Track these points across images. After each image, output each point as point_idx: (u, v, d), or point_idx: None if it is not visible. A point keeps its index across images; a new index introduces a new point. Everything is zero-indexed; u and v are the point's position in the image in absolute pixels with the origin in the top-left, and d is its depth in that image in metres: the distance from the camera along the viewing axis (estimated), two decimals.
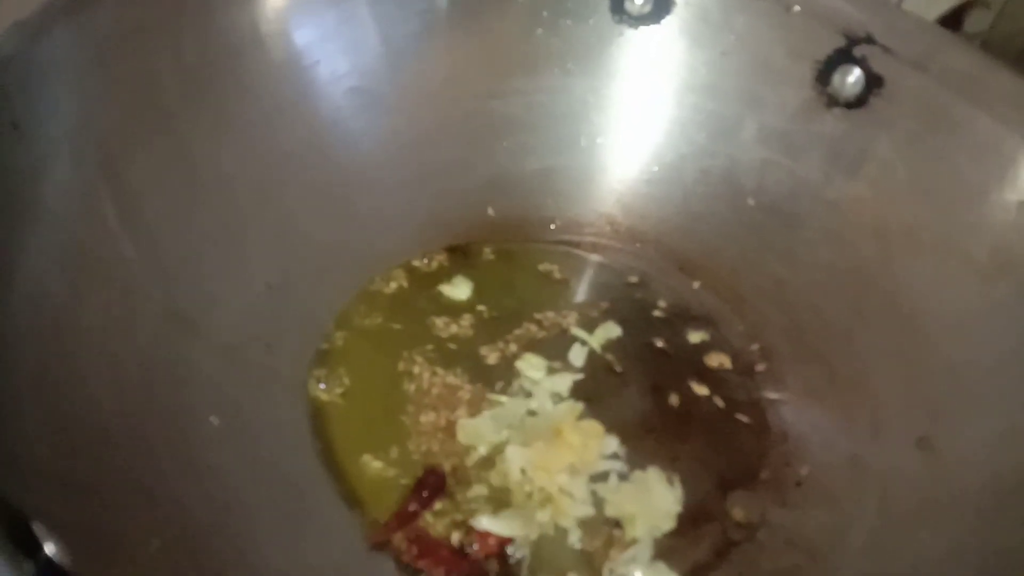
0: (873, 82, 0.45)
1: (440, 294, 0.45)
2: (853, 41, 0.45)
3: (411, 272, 0.46)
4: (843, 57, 0.46)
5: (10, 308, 0.30)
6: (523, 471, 0.36)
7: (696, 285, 0.48)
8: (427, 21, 0.47)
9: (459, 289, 0.46)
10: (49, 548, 0.20)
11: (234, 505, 0.33)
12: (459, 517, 0.35)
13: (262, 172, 0.43)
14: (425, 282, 0.46)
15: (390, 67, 0.47)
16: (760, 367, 0.44)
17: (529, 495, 0.36)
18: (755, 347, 0.45)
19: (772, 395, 0.43)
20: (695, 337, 0.45)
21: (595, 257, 0.49)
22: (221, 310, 0.39)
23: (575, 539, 0.36)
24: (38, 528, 0.21)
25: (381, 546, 0.34)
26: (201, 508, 0.31)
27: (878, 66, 0.45)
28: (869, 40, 0.45)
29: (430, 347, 0.42)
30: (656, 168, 0.50)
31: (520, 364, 0.42)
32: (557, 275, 0.48)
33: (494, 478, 0.37)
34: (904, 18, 0.47)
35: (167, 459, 0.32)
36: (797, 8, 0.47)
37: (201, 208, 0.41)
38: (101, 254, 0.36)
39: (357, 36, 0.46)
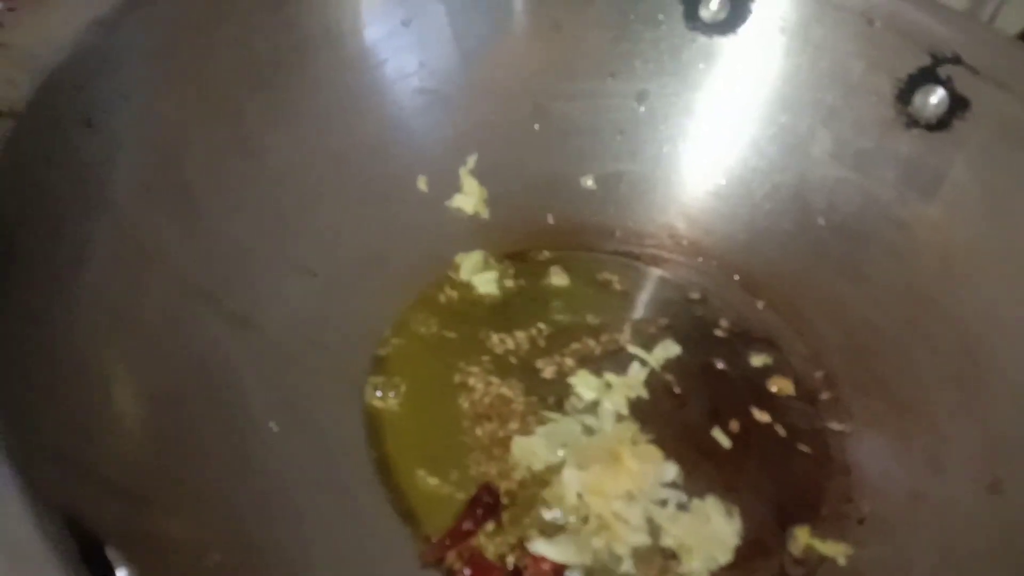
0: (958, 104, 0.43)
1: (494, 304, 0.44)
2: (939, 60, 0.43)
3: (463, 285, 0.45)
4: (927, 76, 0.44)
5: (78, 295, 0.29)
6: (579, 496, 0.36)
7: (760, 305, 0.46)
8: (500, 22, 0.46)
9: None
10: (121, 572, 0.20)
11: (290, 517, 0.32)
12: (513, 539, 0.35)
13: (322, 168, 0.43)
14: (479, 294, 0.45)
15: (458, 67, 0.47)
16: (824, 395, 0.43)
17: (584, 519, 0.35)
18: (819, 374, 0.44)
19: (835, 425, 0.42)
20: (757, 360, 0.44)
21: (656, 270, 0.48)
22: (277, 310, 0.39)
23: (629, 567, 0.35)
24: (111, 552, 0.20)
25: (434, 564, 0.34)
26: (258, 520, 0.31)
27: (964, 88, 0.43)
28: (956, 60, 0.43)
29: (486, 358, 0.42)
30: (724, 181, 0.49)
31: (573, 380, 0.41)
32: (617, 286, 0.47)
33: (549, 499, 0.36)
34: (996, 37, 0.45)
35: (225, 467, 0.31)
36: (879, 23, 0.45)
37: (260, 203, 0.40)
38: (162, 247, 0.35)
39: (429, 35, 0.45)
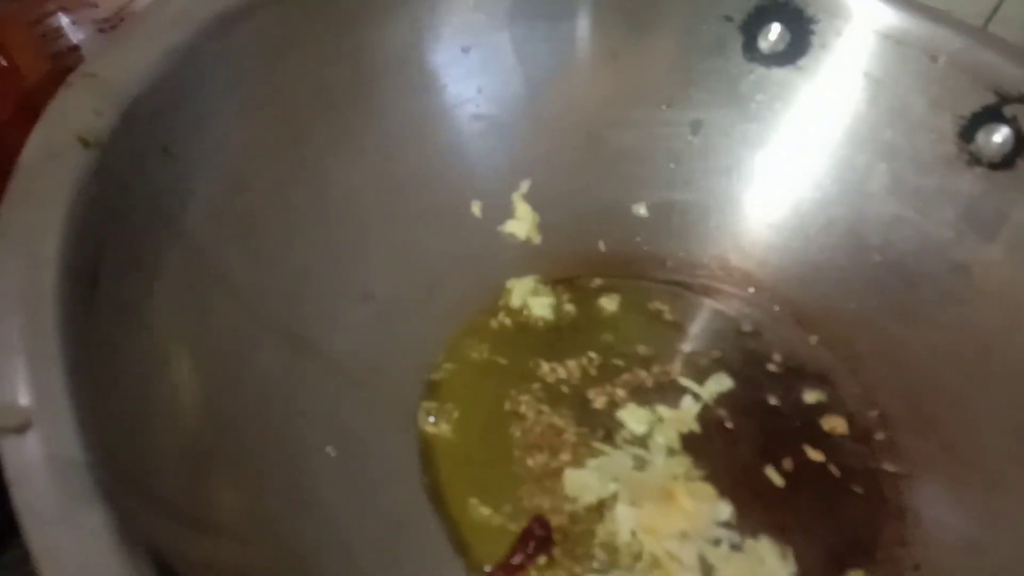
0: (1023, 143, 0.43)
1: (545, 330, 0.44)
2: (1004, 99, 0.43)
3: (514, 311, 0.45)
4: (991, 115, 0.43)
5: (149, 332, 0.30)
6: (633, 533, 0.36)
7: (813, 340, 0.46)
8: (559, 51, 0.47)
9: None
10: None
11: (343, 542, 0.33)
12: (566, 574, 0.35)
13: (382, 193, 0.43)
14: (530, 321, 0.45)
15: (514, 94, 0.47)
16: (879, 435, 0.42)
17: (637, 557, 0.35)
18: (874, 413, 0.43)
19: (890, 467, 0.41)
20: (810, 397, 0.43)
21: (707, 301, 0.48)
22: (334, 333, 0.39)
23: None
24: None
25: None
26: (312, 546, 0.31)
27: None
28: (1022, 99, 0.42)
29: (536, 386, 0.42)
30: (778, 214, 0.48)
31: (622, 414, 0.41)
32: (668, 316, 0.47)
33: (601, 534, 0.36)
34: None
35: (282, 495, 0.32)
36: (943, 59, 0.44)
37: (320, 229, 0.40)
38: (229, 274, 0.36)
39: (489, 62, 0.45)
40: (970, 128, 0.44)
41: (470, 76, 0.45)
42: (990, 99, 0.43)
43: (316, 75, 0.40)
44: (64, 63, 0.42)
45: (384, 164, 0.43)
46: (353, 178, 0.42)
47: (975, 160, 0.44)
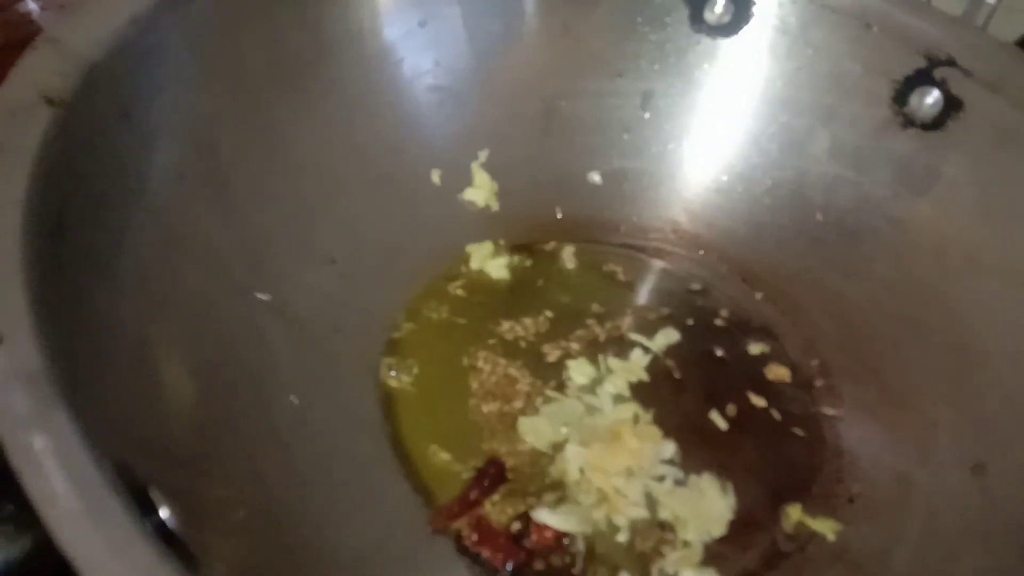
0: (952, 105, 0.45)
1: (502, 292, 0.46)
2: (934, 63, 0.45)
3: (473, 275, 0.47)
4: (923, 78, 0.46)
5: (119, 285, 0.31)
6: (581, 471, 0.38)
7: (758, 296, 0.48)
8: (511, 24, 0.49)
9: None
10: (163, 512, 0.22)
11: (310, 481, 0.35)
12: (518, 508, 0.37)
13: (342, 162, 0.45)
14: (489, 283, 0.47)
15: (471, 66, 0.49)
16: (818, 382, 0.45)
17: (586, 492, 0.37)
18: (814, 362, 0.45)
19: (829, 411, 0.44)
20: (755, 348, 0.46)
21: (659, 262, 0.50)
22: (298, 293, 0.41)
23: (628, 538, 0.37)
24: (154, 494, 0.22)
25: (443, 530, 0.36)
26: (280, 484, 0.33)
27: (958, 89, 0.45)
28: (950, 62, 0.45)
29: (493, 342, 0.44)
30: (725, 178, 0.51)
31: (569, 365, 0.43)
32: (621, 277, 0.49)
33: (552, 473, 0.38)
34: (988, 41, 0.46)
35: (252, 435, 0.34)
36: (876, 27, 0.47)
37: (283, 192, 0.42)
38: (195, 233, 0.37)
39: (444, 36, 0.47)
40: (903, 92, 0.47)
41: (427, 49, 0.47)
42: (921, 63, 0.46)
43: (275, 45, 0.41)
44: None
45: (345, 133, 0.45)
46: (314, 146, 0.44)
47: (909, 122, 0.47)
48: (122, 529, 0.19)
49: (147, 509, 0.22)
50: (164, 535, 0.21)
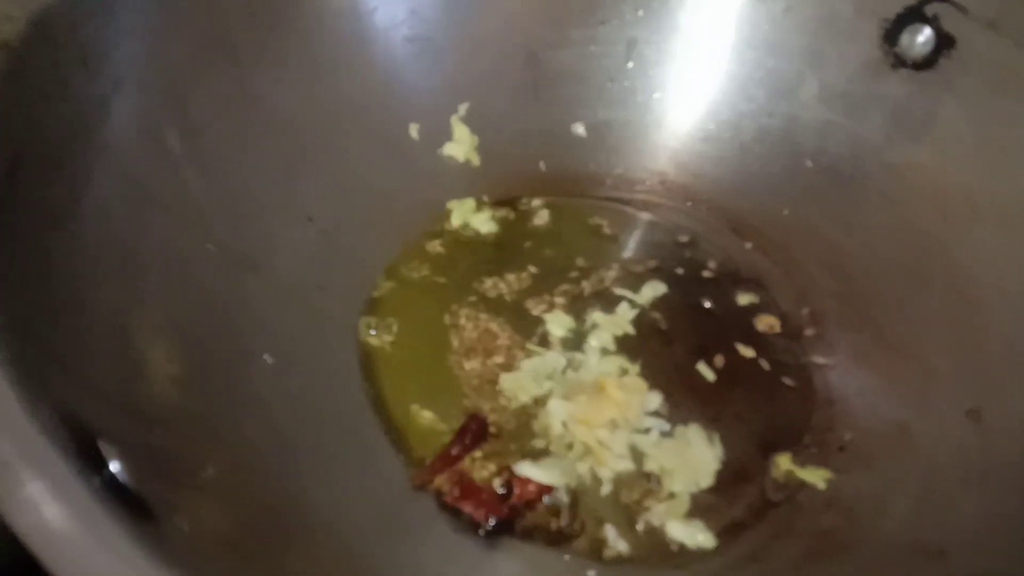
0: (944, 42, 0.44)
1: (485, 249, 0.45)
2: None
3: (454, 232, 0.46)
4: (913, 16, 0.44)
5: (77, 232, 0.30)
6: (564, 424, 0.37)
7: (748, 246, 0.47)
8: None
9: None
10: (113, 466, 0.21)
11: (285, 440, 0.34)
12: (501, 463, 0.36)
13: (318, 116, 0.44)
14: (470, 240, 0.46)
15: (446, 15, 0.47)
16: (809, 331, 0.44)
17: (569, 447, 0.37)
18: (805, 311, 0.44)
19: (819, 360, 0.43)
20: (744, 299, 0.45)
21: (646, 215, 0.49)
22: (276, 249, 0.40)
23: (612, 490, 0.36)
24: (103, 446, 0.22)
25: (424, 487, 0.35)
26: (253, 440, 0.32)
27: (950, 26, 0.43)
28: None
29: (474, 299, 0.43)
30: (713, 126, 0.49)
31: (547, 317, 0.42)
32: (607, 230, 0.48)
33: (535, 427, 0.37)
34: None
35: (223, 392, 0.33)
36: None
37: (259, 147, 0.41)
38: (164, 186, 0.36)
39: None
40: (894, 31, 0.45)
41: None
42: (911, 0, 0.44)
43: None
44: None
45: (318, 87, 0.44)
46: (288, 100, 0.42)
47: (900, 62, 0.45)
48: (58, 478, 0.18)
49: (95, 461, 0.21)
50: (114, 488, 0.20)
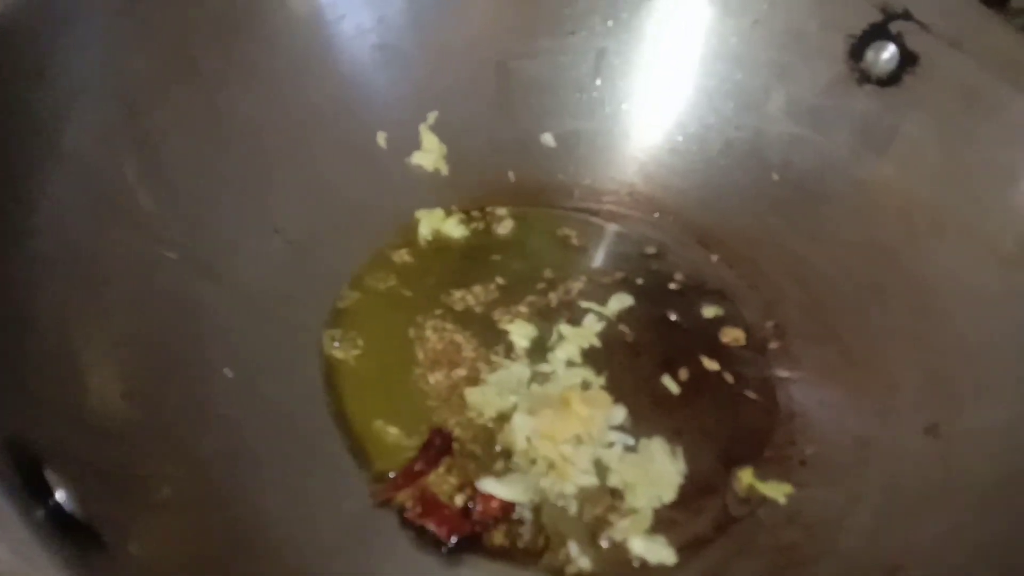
0: (908, 59, 0.44)
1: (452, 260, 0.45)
2: (890, 16, 0.44)
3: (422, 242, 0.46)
4: (878, 32, 0.45)
5: (32, 245, 0.30)
6: (528, 439, 0.37)
7: (714, 259, 0.48)
8: None
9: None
10: (60, 495, 0.21)
11: (244, 455, 0.33)
12: (464, 479, 0.36)
13: (284, 125, 0.43)
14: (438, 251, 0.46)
15: (415, 23, 0.47)
16: (773, 344, 0.44)
17: (533, 462, 0.37)
18: (770, 324, 0.45)
19: (783, 373, 0.43)
20: (709, 311, 0.45)
21: (613, 226, 0.49)
22: (240, 260, 0.40)
23: (576, 506, 0.36)
24: (50, 475, 0.21)
25: (386, 503, 0.35)
26: (211, 457, 0.32)
27: (914, 43, 0.44)
28: (906, 16, 0.44)
29: (440, 311, 0.43)
30: (680, 138, 0.49)
31: (510, 328, 0.42)
32: (575, 241, 0.48)
33: (500, 442, 0.37)
34: None
35: (180, 407, 0.32)
36: None
37: (223, 157, 0.41)
38: (123, 197, 0.36)
39: None
40: (859, 47, 0.46)
41: (370, 5, 0.46)
42: (876, 17, 0.45)
43: (207, 5, 0.39)
44: None
45: (284, 95, 0.43)
46: (252, 109, 0.42)
47: (865, 78, 0.46)
48: None
49: (40, 491, 0.20)
50: (58, 519, 0.20)
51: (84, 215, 0.33)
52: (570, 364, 0.41)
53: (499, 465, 0.37)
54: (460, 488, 0.36)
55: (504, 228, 0.48)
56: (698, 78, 0.49)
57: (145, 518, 0.26)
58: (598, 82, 0.50)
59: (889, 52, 0.45)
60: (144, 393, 0.31)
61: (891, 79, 0.45)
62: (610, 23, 0.49)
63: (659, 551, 0.35)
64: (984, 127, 0.43)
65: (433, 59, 0.48)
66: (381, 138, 0.47)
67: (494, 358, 0.40)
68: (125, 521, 0.24)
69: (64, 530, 0.19)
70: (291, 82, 0.43)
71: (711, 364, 0.42)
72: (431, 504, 0.35)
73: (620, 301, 0.44)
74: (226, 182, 0.41)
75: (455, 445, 0.37)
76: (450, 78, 0.48)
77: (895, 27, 0.44)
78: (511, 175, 0.50)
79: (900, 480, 0.38)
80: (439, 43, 0.48)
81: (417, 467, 0.36)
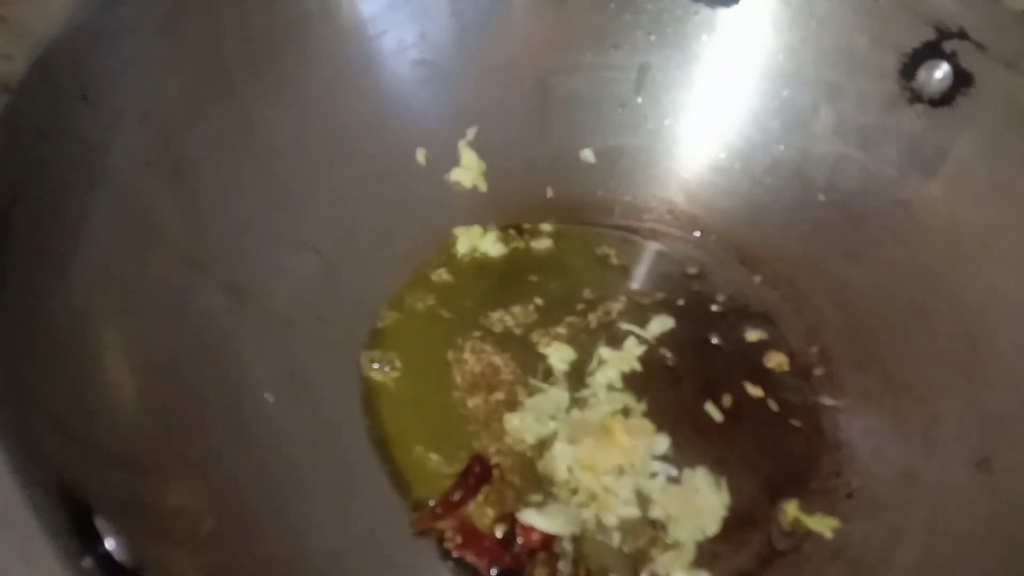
0: (962, 80, 0.43)
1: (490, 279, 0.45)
2: (944, 35, 0.43)
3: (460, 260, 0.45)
4: (931, 51, 0.43)
5: (74, 268, 0.30)
6: (570, 469, 0.36)
7: (757, 280, 0.47)
8: None
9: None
10: (109, 543, 0.21)
11: (285, 483, 0.33)
12: (504, 510, 0.35)
13: (321, 143, 0.43)
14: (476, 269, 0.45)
15: (456, 40, 0.46)
16: (818, 371, 0.43)
17: (574, 491, 0.36)
18: (814, 349, 0.44)
19: (828, 401, 0.42)
20: (753, 335, 0.44)
21: (654, 245, 0.48)
22: (276, 282, 0.40)
23: (618, 538, 0.35)
24: (100, 522, 0.21)
25: (426, 533, 0.34)
26: (253, 486, 0.32)
27: (968, 63, 0.42)
28: (961, 35, 0.42)
29: (478, 333, 0.42)
30: (724, 155, 0.49)
31: (548, 351, 0.41)
32: (614, 260, 0.47)
33: (540, 471, 0.37)
34: (1001, 12, 0.44)
35: (222, 436, 0.32)
36: None
37: (260, 178, 0.40)
38: (160, 220, 0.36)
39: (430, 6, 0.45)
40: (911, 65, 0.44)
41: (412, 21, 0.45)
42: (930, 35, 0.43)
43: (244, 25, 0.39)
44: None
45: (324, 113, 0.43)
46: (291, 128, 0.42)
47: (916, 97, 0.45)
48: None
49: (90, 540, 0.20)
50: (108, 567, 0.20)
51: (123, 239, 0.33)
52: (610, 388, 0.40)
53: (539, 494, 0.36)
54: (500, 518, 0.35)
55: (543, 245, 0.47)
56: (744, 95, 0.48)
57: (189, 554, 0.26)
58: (640, 98, 0.49)
59: (942, 71, 0.43)
60: (185, 422, 0.31)
61: (944, 99, 0.44)
62: (653, 37, 0.48)
63: None
64: None
65: (473, 75, 0.47)
66: (420, 155, 0.46)
67: (532, 382, 0.40)
68: (171, 560, 0.24)
69: None
70: (330, 99, 0.43)
71: (755, 390, 0.42)
72: (471, 535, 0.34)
73: (661, 323, 0.43)
74: (263, 202, 0.40)
75: (494, 472, 0.37)
76: (490, 94, 0.48)
77: (949, 46, 0.43)
78: (550, 191, 0.49)
79: (947, 516, 0.37)
80: (480, 59, 0.47)
81: (456, 496, 0.35)
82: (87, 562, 0.19)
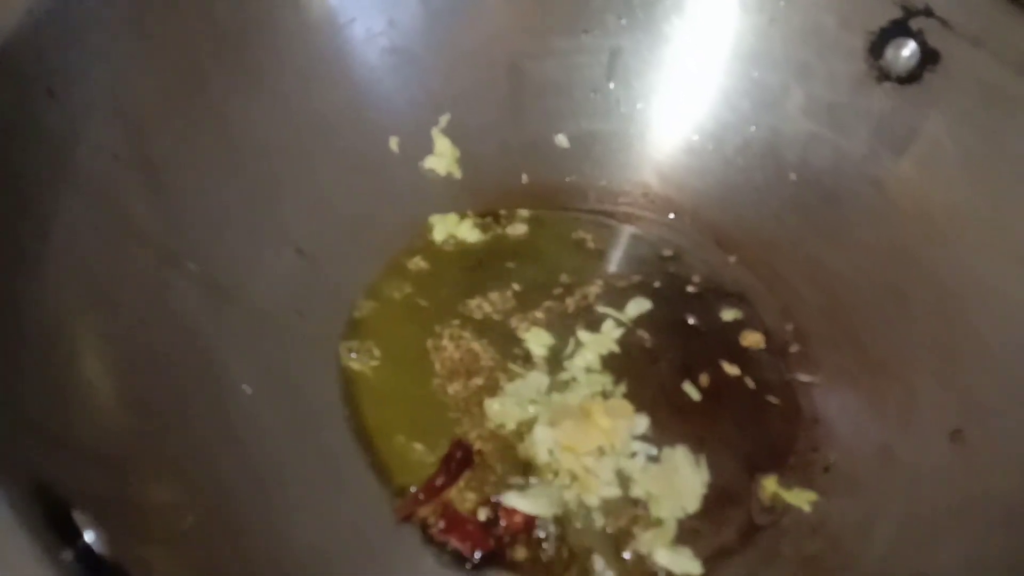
0: (929, 57, 0.43)
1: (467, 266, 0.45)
2: (911, 13, 0.43)
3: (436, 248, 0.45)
4: (899, 29, 0.44)
5: (45, 266, 0.29)
6: (551, 452, 0.36)
7: (732, 260, 0.47)
8: None
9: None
10: (88, 536, 0.21)
11: (267, 476, 0.33)
12: (486, 493, 0.35)
13: (294, 134, 0.43)
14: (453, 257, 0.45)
15: (426, 25, 0.46)
16: (793, 348, 0.44)
17: (555, 474, 0.36)
18: (789, 327, 0.44)
19: (804, 377, 0.42)
20: (728, 315, 0.44)
21: (630, 228, 0.48)
22: (253, 276, 0.39)
23: (600, 518, 0.36)
24: (78, 516, 0.21)
25: (409, 519, 0.34)
26: (234, 479, 0.32)
27: (935, 40, 0.43)
28: (927, 12, 0.43)
29: (457, 321, 0.42)
30: (696, 137, 0.49)
31: (527, 336, 0.41)
32: (590, 245, 0.47)
33: (521, 454, 0.37)
34: None
35: (201, 431, 0.32)
36: None
37: (233, 172, 0.40)
38: (135, 217, 0.35)
39: None
40: (879, 44, 0.45)
41: (380, 8, 0.45)
42: (897, 13, 0.44)
43: (213, 17, 0.39)
44: None
45: (295, 104, 0.43)
46: (262, 121, 0.41)
47: (884, 76, 0.45)
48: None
49: (69, 535, 0.20)
50: (88, 561, 0.20)
51: (95, 236, 0.33)
52: (589, 371, 0.41)
53: (520, 477, 0.36)
54: (482, 502, 0.35)
55: (519, 231, 0.47)
56: (714, 76, 0.48)
57: (171, 549, 0.26)
58: (612, 83, 0.49)
59: (909, 49, 0.44)
60: (164, 418, 0.31)
61: (911, 77, 0.44)
62: (624, 21, 0.49)
63: (684, 563, 0.35)
64: (1006, 126, 0.42)
65: (445, 62, 0.47)
66: (393, 143, 0.46)
67: (512, 367, 0.40)
68: (152, 556, 0.24)
69: (93, 572, 0.19)
70: (301, 90, 0.43)
71: (732, 369, 0.42)
72: (454, 519, 0.34)
73: (638, 306, 0.44)
74: (236, 195, 0.40)
75: (476, 457, 0.37)
76: (462, 80, 0.48)
77: (916, 24, 0.43)
78: (524, 177, 0.49)
79: (924, 489, 0.37)
80: (450, 45, 0.47)
81: (439, 481, 0.35)
82: (67, 555, 0.18)
